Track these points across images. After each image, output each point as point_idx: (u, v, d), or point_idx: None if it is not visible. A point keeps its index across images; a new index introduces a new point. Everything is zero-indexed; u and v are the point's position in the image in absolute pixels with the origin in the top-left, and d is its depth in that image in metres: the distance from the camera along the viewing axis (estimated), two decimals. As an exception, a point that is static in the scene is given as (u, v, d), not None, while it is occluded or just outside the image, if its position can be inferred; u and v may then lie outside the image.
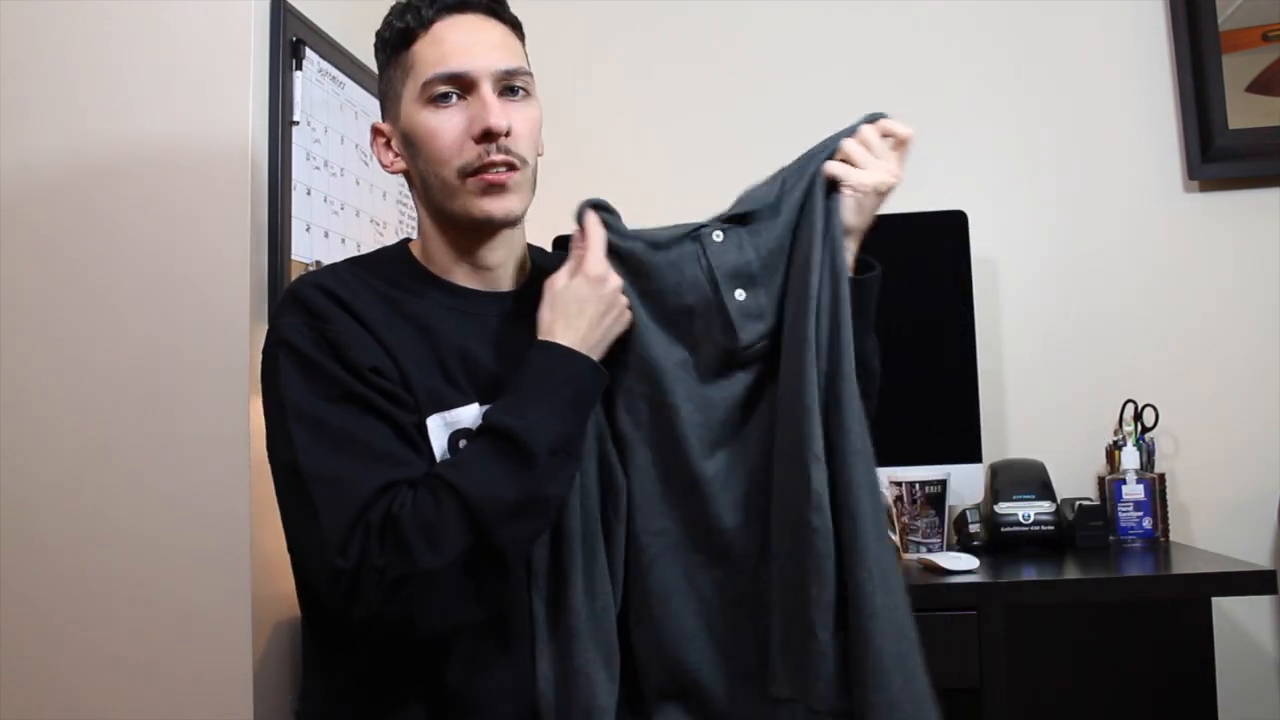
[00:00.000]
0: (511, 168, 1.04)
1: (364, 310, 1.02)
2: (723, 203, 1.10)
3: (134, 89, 1.32)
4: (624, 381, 1.07)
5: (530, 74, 1.08)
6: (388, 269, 1.10)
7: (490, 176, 1.03)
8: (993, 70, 2.04)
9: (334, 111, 1.54)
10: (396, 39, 1.06)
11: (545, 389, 0.99)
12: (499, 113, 1.03)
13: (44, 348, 1.31)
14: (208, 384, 1.27)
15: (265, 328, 1.09)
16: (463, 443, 1.01)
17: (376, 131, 1.11)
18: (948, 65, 2.05)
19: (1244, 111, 1.93)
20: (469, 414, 1.03)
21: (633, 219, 1.10)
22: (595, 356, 1.02)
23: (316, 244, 1.46)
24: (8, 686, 1.27)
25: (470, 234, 1.09)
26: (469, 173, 1.03)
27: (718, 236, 1.06)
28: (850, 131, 1.08)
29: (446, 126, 1.03)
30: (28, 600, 1.28)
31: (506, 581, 0.97)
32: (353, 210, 1.59)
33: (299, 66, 1.41)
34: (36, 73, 1.33)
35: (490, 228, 1.07)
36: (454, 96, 1.04)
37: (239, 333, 1.27)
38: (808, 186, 1.06)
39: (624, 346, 1.06)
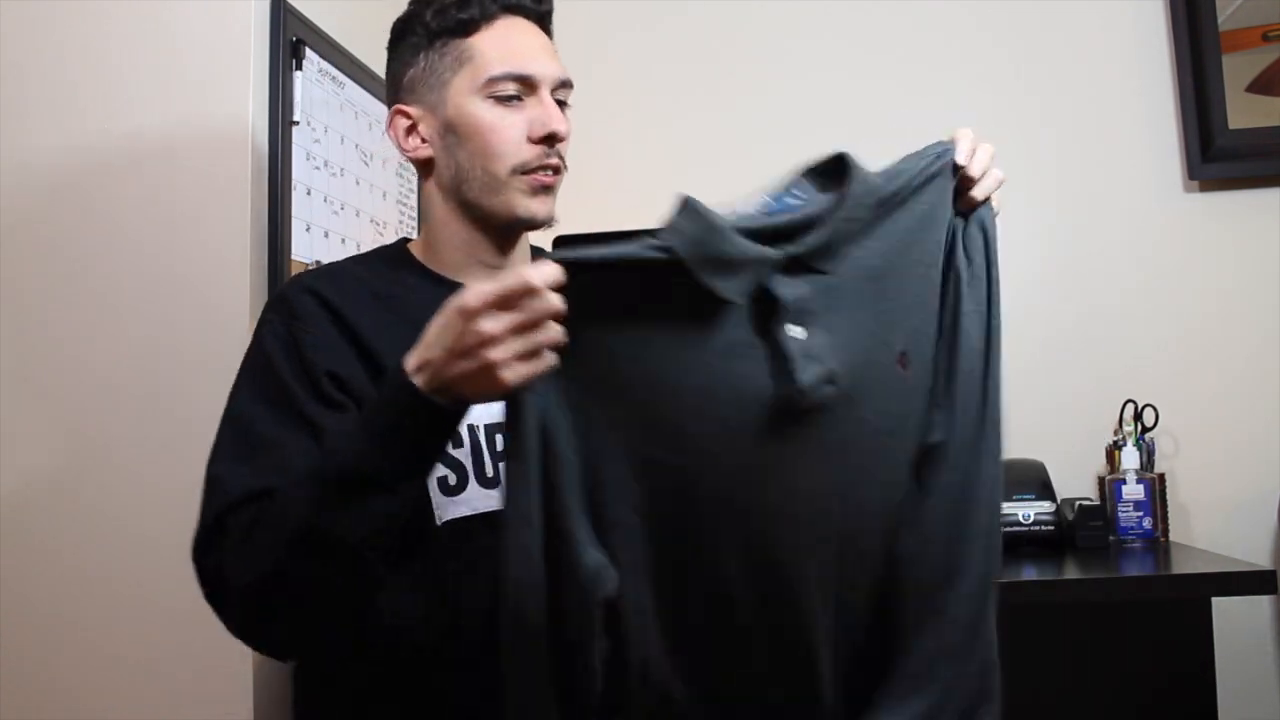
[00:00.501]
0: (557, 171, 1.07)
1: (352, 312, 1.02)
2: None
3: (134, 89, 1.32)
4: (642, 449, 0.85)
5: (573, 86, 1.10)
6: (387, 268, 1.11)
7: (543, 178, 1.05)
8: (993, 70, 2.04)
9: (334, 111, 1.54)
10: (453, 27, 1.06)
11: (368, 408, 0.89)
12: (560, 118, 1.06)
13: (44, 348, 1.31)
14: (208, 384, 1.26)
15: (265, 328, 1.09)
16: None
17: (400, 113, 1.09)
18: (948, 65, 2.05)
19: (1244, 111, 1.93)
20: None
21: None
22: (444, 395, 0.83)
23: (316, 244, 1.46)
24: (8, 686, 1.27)
25: (499, 231, 1.09)
26: (523, 171, 1.05)
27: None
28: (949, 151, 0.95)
29: (508, 124, 1.04)
30: (28, 600, 1.28)
31: (331, 610, 0.92)
32: (353, 210, 1.59)
33: (299, 66, 1.41)
34: (36, 73, 1.33)
35: (529, 227, 1.09)
36: (518, 97, 1.05)
37: (239, 333, 1.26)
38: (950, 249, 0.94)
39: (644, 408, 0.85)
